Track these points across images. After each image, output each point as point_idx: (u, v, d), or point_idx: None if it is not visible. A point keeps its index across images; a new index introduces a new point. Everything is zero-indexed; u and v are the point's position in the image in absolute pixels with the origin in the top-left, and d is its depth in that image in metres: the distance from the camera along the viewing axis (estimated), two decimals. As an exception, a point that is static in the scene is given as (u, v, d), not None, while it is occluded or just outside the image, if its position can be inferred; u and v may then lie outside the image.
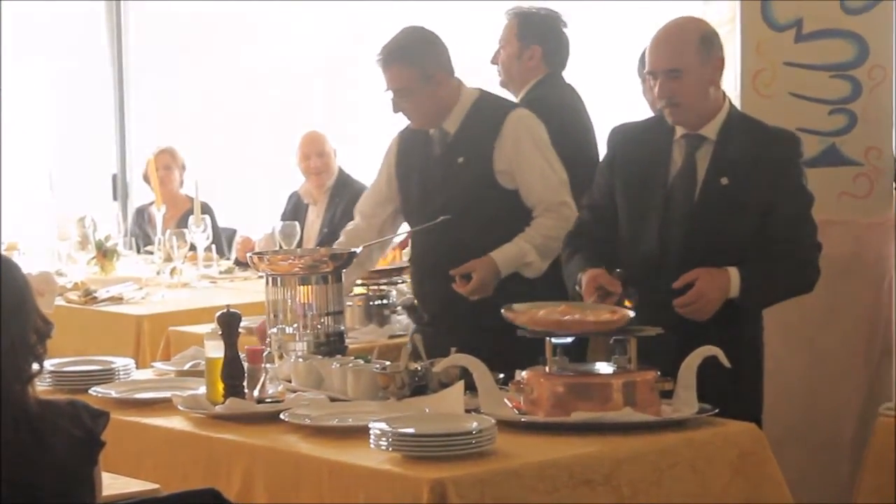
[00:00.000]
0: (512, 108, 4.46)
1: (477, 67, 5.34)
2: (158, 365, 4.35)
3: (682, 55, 3.81)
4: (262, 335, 4.19)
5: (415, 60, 4.30)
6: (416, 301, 4.56)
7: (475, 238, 4.30)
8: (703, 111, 3.86)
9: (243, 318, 3.69)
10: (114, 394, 3.82)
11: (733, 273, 3.74)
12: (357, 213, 4.62)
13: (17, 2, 8.54)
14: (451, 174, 4.36)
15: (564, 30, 5.19)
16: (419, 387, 3.61)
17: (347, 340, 4.15)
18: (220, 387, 3.60)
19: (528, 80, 5.13)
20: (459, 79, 4.40)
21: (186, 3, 9.56)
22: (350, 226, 4.62)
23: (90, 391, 3.84)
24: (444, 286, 4.28)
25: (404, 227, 4.59)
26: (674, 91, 3.82)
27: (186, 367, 4.17)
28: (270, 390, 3.66)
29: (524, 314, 3.52)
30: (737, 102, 4.46)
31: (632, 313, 3.49)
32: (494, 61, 5.22)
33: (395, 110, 4.37)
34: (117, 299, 5.83)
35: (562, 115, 4.93)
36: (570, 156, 4.54)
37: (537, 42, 5.13)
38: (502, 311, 3.57)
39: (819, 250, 3.86)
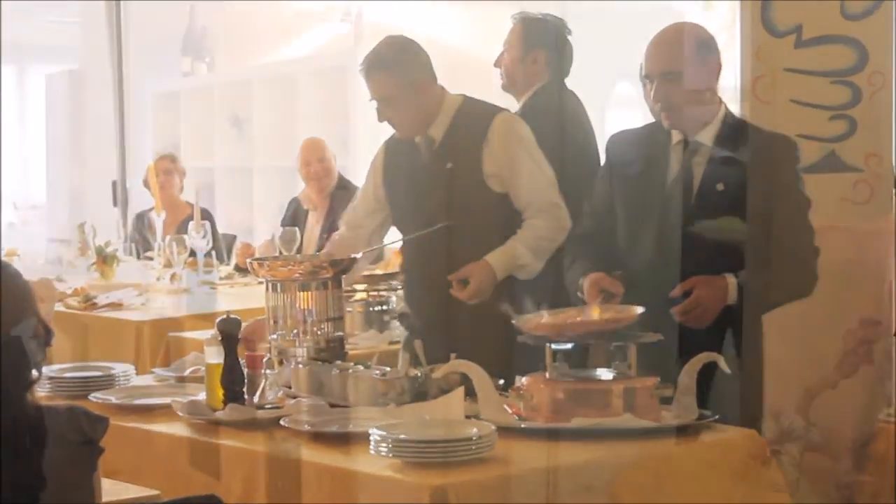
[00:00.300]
0: (497, 111, 4.44)
1: (478, 70, 5.35)
2: (158, 371, 4.35)
3: (679, 59, 3.81)
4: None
5: (396, 69, 4.29)
6: (407, 308, 4.56)
7: (467, 243, 4.29)
8: (699, 116, 3.86)
9: (243, 324, 3.69)
10: (113, 400, 3.82)
11: (731, 279, 3.74)
12: (343, 223, 4.61)
13: (16, 2, 8.55)
14: (440, 181, 4.35)
15: (569, 37, 5.20)
16: (419, 393, 3.61)
17: (347, 346, 4.14)
18: (220, 393, 3.59)
19: (530, 84, 5.14)
20: (442, 86, 4.40)
21: (187, 4, 9.56)
22: (336, 236, 4.61)
23: (90, 397, 3.83)
24: (439, 292, 4.27)
25: (393, 235, 4.58)
26: (670, 94, 3.82)
27: (186, 372, 4.17)
28: (270, 396, 3.66)
29: (531, 321, 3.53)
30: (737, 108, 4.46)
31: (640, 309, 3.48)
32: (497, 64, 5.23)
33: (380, 119, 4.37)
34: (117, 305, 5.82)
35: (563, 120, 4.94)
36: (571, 162, 4.55)
37: (541, 47, 5.14)
38: (511, 319, 3.57)
39: (817, 255, 3.86)
